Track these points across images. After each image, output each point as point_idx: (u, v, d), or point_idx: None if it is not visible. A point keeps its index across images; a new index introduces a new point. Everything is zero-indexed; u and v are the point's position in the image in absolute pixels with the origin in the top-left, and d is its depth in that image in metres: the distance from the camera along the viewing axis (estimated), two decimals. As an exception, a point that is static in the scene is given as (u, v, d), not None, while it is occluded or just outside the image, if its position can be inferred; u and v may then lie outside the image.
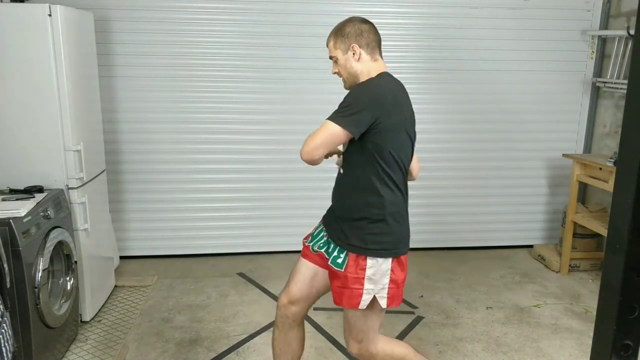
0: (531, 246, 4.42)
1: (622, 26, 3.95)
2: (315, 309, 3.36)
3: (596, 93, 4.27)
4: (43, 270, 2.49)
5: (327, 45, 2.09)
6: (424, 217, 4.35)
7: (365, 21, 2.08)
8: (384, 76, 1.99)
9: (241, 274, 3.88)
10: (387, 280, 1.97)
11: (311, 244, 2.15)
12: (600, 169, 3.63)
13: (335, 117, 1.87)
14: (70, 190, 2.93)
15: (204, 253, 4.20)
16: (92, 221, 3.10)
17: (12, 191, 2.73)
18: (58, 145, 2.86)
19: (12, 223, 2.32)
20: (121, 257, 3.99)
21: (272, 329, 3.08)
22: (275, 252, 4.26)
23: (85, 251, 3.05)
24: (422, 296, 3.57)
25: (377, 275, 1.96)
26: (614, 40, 3.97)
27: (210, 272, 3.92)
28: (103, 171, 3.43)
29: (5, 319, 1.95)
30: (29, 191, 2.72)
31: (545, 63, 4.19)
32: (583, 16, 4.17)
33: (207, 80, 3.93)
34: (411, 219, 3.76)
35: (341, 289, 1.98)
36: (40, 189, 2.77)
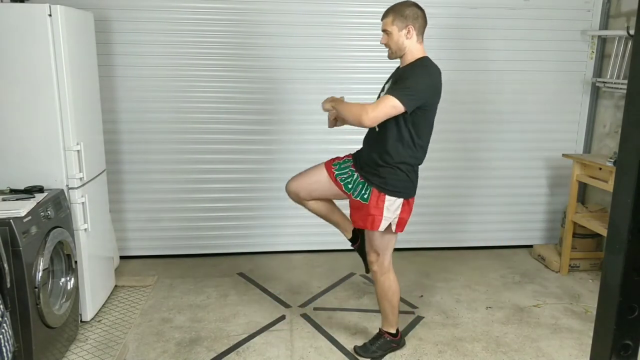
0: (531, 246, 4.42)
1: (622, 26, 3.96)
2: (315, 309, 3.37)
3: (596, 93, 4.27)
4: (43, 270, 2.49)
5: (383, 20, 2.52)
6: (424, 217, 4.34)
7: (420, 7, 2.51)
8: (430, 63, 2.49)
9: (241, 274, 3.89)
10: (398, 213, 2.56)
11: (336, 172, 2.69)
12: (600, 169, 3.64)
13: (398, 95, 2.33)
14: (70, 190, 2.93)
15: (204, 253, 4.20)
16: (92, 221, 3.10)
17: (13, 191, 2.73)
18: (58, 145, 2.86)
19: (12, 223, 2.32)
20: (121, 257, 3.99)
21: (271, 328, 3.10)
22: (275, 252, 4.26)
23: (85, 251, 3.05)
24: (422, 296, 3.57)
25: (392, 208, 2.53)
26: (613, 40, 3.97)
27: (210, 272, 3.92)
28: (103, 171, 3.43)
29: (6, 318, 1.95)
30: (29, 191, 2.72)
31: (545, 63, 4.19)
32: (583, 16, 4.17)
33: (207, 80, 3.93)
34: (411, 219, 3.77)
35: (365, 216, 2.55)
36: (40, 189, 2.77)
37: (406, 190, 2.56)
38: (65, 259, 2.82)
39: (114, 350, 2.84)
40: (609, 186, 3.48)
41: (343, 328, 3.14)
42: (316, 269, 4.01)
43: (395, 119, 2.42)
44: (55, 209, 2.70)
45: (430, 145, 4.18)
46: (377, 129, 2.51)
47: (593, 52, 4.19)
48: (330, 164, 2.73)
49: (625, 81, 3.69)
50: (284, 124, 4.08)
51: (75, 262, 2.89)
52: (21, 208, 2.43)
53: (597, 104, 4.28)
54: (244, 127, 4.03)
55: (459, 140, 4.26)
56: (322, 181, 2.71)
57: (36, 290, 2.44)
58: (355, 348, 2.89)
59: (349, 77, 4.05)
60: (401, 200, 2.55)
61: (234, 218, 4.17)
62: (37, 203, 2.57)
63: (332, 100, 2.55)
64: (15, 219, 2.34)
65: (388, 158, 2.50)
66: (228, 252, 4.22)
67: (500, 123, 4.27)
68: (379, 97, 2.57)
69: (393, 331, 2.87)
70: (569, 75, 4.25)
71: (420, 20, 2.48)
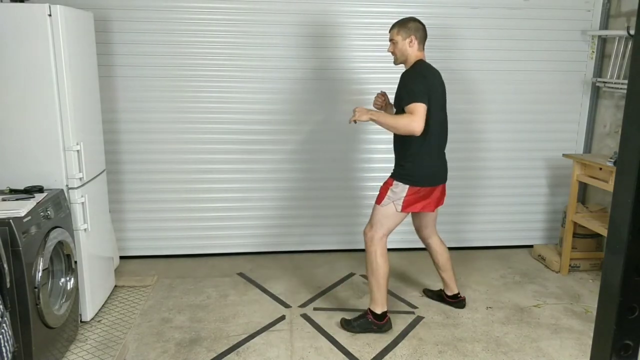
0: (531, 246, 4.42)
1: (622, 26, 3.95)
2: (315, 309, 3.37)
3: (596, 93, 4.27)
4: (43, 270, 2.49)
5: (390, 31, 2.96)
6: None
7: (421, 22, 2.96)
8: (424, 65, 2.91)
9: (241, 274, 3.89)
10: (403, 195, 2.93)
11: None
12: (601, 169, 3.63)
13: (419, 99, 2.74)
14: (70, 190, 2.93)
15: (204, 253, 4.20)
16: (92, 221, 3.10)
17: (12, 191, 2.73)
18: (58, 145, 2.86)
19: (12, 223, 2.31)
20: (121, 257, 3.99)
21: (271, 329, 3.10)
22: (275, 252, 4.26)
23: (85, 251, 3.05)
24: (422, 295, 3.57)
25: (397, 190, 2.94)
26: (614, 40, 3.97)
27: (210, 272, 3.92)
28: (103, 171, 3.43)
29: (5, 319, 1.95)
30: (29, 191, 2.72)
31: (545, 63, 4.18)
32: (583, 16, 4.17)
33: (207, 80, 3.93)
34: (410, 218, 3.74)
35: (379, 194, 3.02)
36: (40, 189, 2.77)
37: (413, 178, 2.92)
38: (65, 259, 2.82)
39: (114, 350, 2.84)
40: (609, 186, 3.48)
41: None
42: (316, 269, 4.01)
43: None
44: (55, 209, 2.70)
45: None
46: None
47: (593, 52, 4.19)
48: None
49: (626, 81, 3.68)
50: (284, 124, 4.08)
51: (75, 262, 2.89)
52: (21, 208, 2.42)
53: (598, 104, 4.28)
54: (244, 127, 4.03)
55: (459, 140, 4.24)
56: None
57: (36, 290, 2.44)
58: (341, 320, 3.14)
59: (351, 77, 4.05)
60: (406, 186, 2.92)
61: (234, 218, 4.17)
62: (37, 203, 2.57)
63: (367, 112, 2.85)
64: (15, 219, 2.34)
65: (402, 152, 2.96)
66: (228, 252, 4.22)
67: (501, 123, 4.27)
68: (397, 97, 2.95)
69: (378, 312, 3.04)
70: (569, 75, 4.25)
71: (421, 32, 2.93)
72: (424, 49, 2.97)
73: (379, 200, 3.00)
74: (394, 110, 3.06)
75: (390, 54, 2.99)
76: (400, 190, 2.93)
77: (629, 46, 3.74)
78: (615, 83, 3.94)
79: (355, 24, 3.97)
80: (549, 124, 4.31)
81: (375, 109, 3.05)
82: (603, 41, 4.17)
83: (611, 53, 4.00)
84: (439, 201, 3.09)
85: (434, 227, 3.35)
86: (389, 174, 3.03)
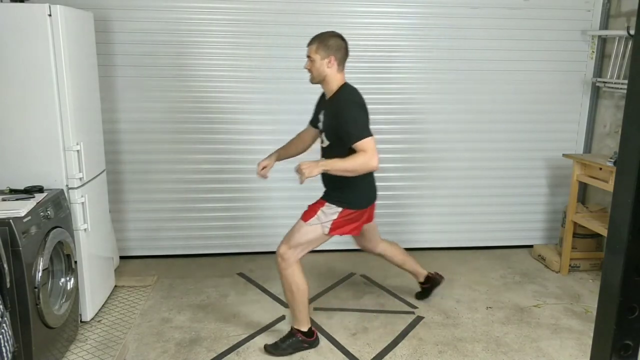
0: (531, 246, 4.42)
1: (622, 26, 3.95)
2: (315, 309, 3.37)
3: (596, 93, 4.27)
4: (43, 270, 2.49)
5: (309, 46, 2.70)
6: (424, 217, 4.35)
7: (343, 39, 2.73)
8: (351, 90, 2.74)
9: (241, 274, 3.88)
10: (332, 218, 2.78)
11: None
12: (601, 169, 3.63)
13: (367, 133, 2.58)
14: (70, 190, 2.93)
15: (204, 253, 4.20)
16: (92, 221, 3.09)
17: (12, 191, 2.73)
18: (58, 145, 2.86)
19: (12, 223, 2.31)
20: (121, 257, 3.99)
21: (270, 329, 3.10)
22: (275, 252, 4.25)
23: (85, 251, 3.05)
24: (420, 298, 3.55)
25: (328, 212, 2.78)
26: (614, 40, 3.97)
27: (210, 272, 3.92)
28: (103, 171, 3.43)
29: (5, 319, 1.95)
30: (29, 191, 2.72)
31: (545, 63, 4.18)
32: (583, 16, 4.17)
33: (207, 80, 3.93)
34: (411, 219, 3.76)
35: (306, 211, 2.85)
36: (40, 189, 2.77)
37: (349, 201, 2.78)
38: (65, 259, 2.82)
39: (114, 350, 2.84)
40: (609, 186, 3.48)
41: (343, 328, 3.14)
42: (316, 269, 4.00)
43: (340, 149, 2.63)
44: (55, 209, 2.69)
45: (430, 145, 4.26)
46: (322, 157, 2.79)
47: (593, 52, 4.19)
48: None
49: (626, 81, 3.68)
50: (284, 124, 4.07)
51: (75, 262, 2.89)
52: (21, 208, 2.42)
53: (598, 104, 4.28)
54: (244, 127, 4.03)
55: (459, 140, 4.25)
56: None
57: (36, 290, 2.44)
58: (265, 346, 2.89)
59: (354, 78, 4.04)
60: (339, 208, 2.77)
61: (234, 218, 4.17)
62: (37, 203, 2.57)
63: (316, 165, 2.57)
64: (15, 219, 2.34)
65: (341, 177, 2.67)
66: (228, 252, 4.22)
67: (500, 123, 4.26)
68: (313, 122, 2.96)
69: (305, 329, 2.89)
70: (569, 75, 4.25)
71: (342, 51, 2.71)
72: (344, 69, 2.76)
73: (307, 217, 2.81)
74: (307, 143, 3.05)
75: (307, 71, 2.76)
76: (332, 212, 2.77)
77: (629, 46, 3.74)
78: (615, 83, 3.94)
79: (355, 24, 3.97)
80: (549, 124, 4.31)
81: (323, 160, 2.70)
82: (603, 41, 4.17)
83: (611, 53, 4.00)
84: (367, 221, 2.96)
85: (378, 236, 3.25)
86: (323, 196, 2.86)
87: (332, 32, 2.73)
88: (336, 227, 2.80)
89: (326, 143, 2.78)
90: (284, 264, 2.81)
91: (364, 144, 2.55)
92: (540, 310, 3.41)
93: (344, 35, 4.05)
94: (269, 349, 2.87)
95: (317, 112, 2.94)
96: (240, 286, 3.69)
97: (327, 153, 2.77)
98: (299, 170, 2.54)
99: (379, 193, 4.27)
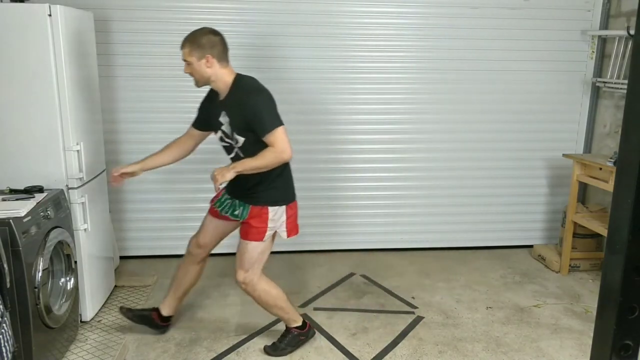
0: (531, 246, 4.42)
1: (622, 26, 3.95)
2: (315, 309, 3.37)
3: (596, 93, 4.27)
4: (43, 270, 2.48)
5: (182, 50, 2.52)
6: (424, 217, 4.35)
7: (216, 33, 2.54)
8: (247, 80, 2.61)
9: (241, 274, 3.88)
10: (283, 219, 2.65)
11: (219, 208, 2.78)
12: (601, 169, 3.63)
13: (277, 123, 2.48)
14: (70, 190, 2.93)
15: (204, 253, 4.19)
16: (92, 221, 3.09)
17: (12, 191, 2.73)
18: (58, 145, 2.86)
19: (12, 223, 2.31)
20: (121, 257, 3.99)
21: (270, 329, 3.10)
22: (275, 252, 4.23)
23: (85, 251, 3.05)
24: (413, 297, 3.55)
25: (276, 217, 2.63)
26: (614, 40, 3.97)
27: (210, 272, 3.91)
28: (103, 171, 3.43)
29: (5, 319, 1.95)
30: (29, 191, 2.72)
31: (545, 63, 4.18)
32: (583, 16, 4.17)
33: (207, 80, 3.93)
34: (411, 219, 3.74)
35: (249, 229, 2.64)
36: (40, 189, 2.77)
37: (286, 196, 2.68)
38: (65, 259, 2.81)
39: (114, 350, 2.84)
40: (610, 186, 3.48)
41: (343, 328, 3.14)
42: (316, 269, 4.00)
43: (259, 142, 2.49)
44: (55, 209, 2.69)
45: (430, 145, 4.26)
46: (242, 156, 2.58)
47: (593, 52, 4.19)
48: (212, 207, 2.88)
49: (626, 81, 3.68)
50: (284, 124, 4.07)
51: (75, 262, 2.88)
52: (21, 208, 2.42)
53: (598, 104, 4.28)
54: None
55: (459, 140, 4.25)
56: (211, 222, 2.88)
57: (36, 290, 2.44)
58: (265, 348, 2.88)
59: (354, 78, 4.05)
60: (282, 207, 2.65)
61: (234, 218, 4.16)
62: (37, 203, 2.57)
63: (228, 169, 2.47)
64: (15, 219, 2.34)
65: (267, 175, 2.56)
66: (228, 252, 4.20)
67: (500, 123, 4.26)
68: (198, 124, 2.81)
69: (299, 324, 2.89)
70: (569, 75, 4.25)
71: (219, 46, 2.51)
72: (228, 62, 2.57)
73: (259, 236, 2.62)
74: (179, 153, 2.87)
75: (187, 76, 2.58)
76: (280, 214, 2.64)
77: (629, 46, 3.74)
78: (615, 83, 3.94)
79: (355, 24, 3.97)
80: (549, 124, 4.31)
81: (233, 163, 2.56)
82: (603, 41, 4.17)
83: (611, 53, 4.00)
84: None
85: (213, 244, 2.97)
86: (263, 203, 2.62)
87: (203, 29, 2.54)
88: (292, 226, 2.71)
89: (240, 141, 2.56)
90: (250, 288, 2.73)
91: (275, 135, 2.44)
92: (540, 310, 3.41)
93: (344, 36, 4.07)
94: (268, 351, 2.86)
95: (207, 114, 2.71)
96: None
97: (243, 151, 2.58)
98: (214, 177, 2.46)
99: (385, 193, 4.31)
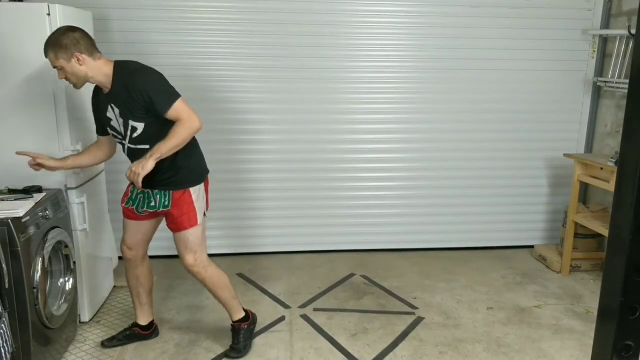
0: (532, 246, 4.41)
1: (623, 26, 3.94)
2: (315, 309, 3.36)
3: (597, 93, 4.26)
4: (42, 271, 2.48)
5: (48, 58, 2.37)
6: (424, 217, 4.34)
7: (75, 29, 2.39)
8: (130, 61, 2.50)
9: (241, 274, 3.88)
10: (203, 196, 2.66)
11: (134, 206, 2.65)
12: (602, 169, 3.62)
13: (174, 97, 2.44)
14: (69, 191, 2.92)
15: (203, 253, 4.18)
16: (91, 221, 3.09)
17: (11, 191, 2.72)
18: (57, 145, 2.85)
19: (10, 223, 2.31)
20: (120, 258, 3.98)
21: (271, 329, 3.09)
22: (275, 252, 4.25)
23: (84, 251, 3.04)
24: (415, 298, 3.54)
25: (200, 197, 2.62)
26: (615, 40, 3.96)
27: (210, 273, 3.90)
28: (102, 171, 3.42)
29: (4, 319, 1.95)
30: (28, 191, 2.71)
31: (546, 63, 4.17)
32: (584, 15, 4.16)
33: (207, 80, 3.92)
34: (412, 219, 3.72)
35: (181, 217, 2.58)
36: (39, 189, 2.76)
37: (202, 172, 2.67)
38: (64, 260, 2.81)
39: (113, 351, 2.84)
40: (611, 186, 3.47)
41: (343, 329, 3.13)
42: (316, 269, 4.00)
43: (161, 124, 2.42)
44: (53, 209, 2.69)
45: (430, 145, 4.26)
46: (148, 147, 2.43)
47: (594, 51, 4.18)
48: (124, 208, 2.71)
49: (627, 81, 3.67)
50: (284, 124, 4.07)
51: (74, 262, 2.88)
52: (20, 208, 2.42)
53: (599, 103, 4.27)
54: (243, 126, 4.02)
55: (460, 140, 4.25)
56: (133, 224, 2.75)
57: (35, 290, 2.43)
58: (228, 355, 2.81)
59: (356, 77, 4.05)
60: (201, 185, 2.63)
61: (234, 218, 4.16)
62: (36, 203, 2.56)
63: (146, 160, 2.31)
64: (14, 219, 2.33)
65: (178, 159, 2.50)
66: (228, 252, 4.21)
67: (501, 123, 4.26)
68: (101, 131, 2.63)
69: (242, 315, 2.87)
70: (570, 74, 4.24)
71: (83, 40, 2.36)
72: (98, 51, 2.42)
73: (193, 221, 2.58)
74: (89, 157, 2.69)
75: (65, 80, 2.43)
76: (202, 194, 2.63)
77: (630, 45, 3.73)
78: (616, 83, 3.93)
79: (355, 24, 3.96)
80: (550, 124, 4.30)
81: (149, 152, 2.36)
82: (604, 41, 4.16)
83: (612, 52, 3.99)
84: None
85: (146, 241, 2.85)
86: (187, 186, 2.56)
87: (59, 29, 2.39)
88: (207, 203, 2.71)
89: (140, 128, 2.44)
90: (202, 270, 2.68)
91: (177, 108, 2.38)
92: (541, 311, 3.40)
93: (344, 35, 4.06)
94: (233, 356, 2.80)
95: (102, 115, 2.53)
96: (239, 287, 3.68)
97: (148, 131, 2.45)
98: (131, 175, 2.31)
99: (385, 193, 4.30)
